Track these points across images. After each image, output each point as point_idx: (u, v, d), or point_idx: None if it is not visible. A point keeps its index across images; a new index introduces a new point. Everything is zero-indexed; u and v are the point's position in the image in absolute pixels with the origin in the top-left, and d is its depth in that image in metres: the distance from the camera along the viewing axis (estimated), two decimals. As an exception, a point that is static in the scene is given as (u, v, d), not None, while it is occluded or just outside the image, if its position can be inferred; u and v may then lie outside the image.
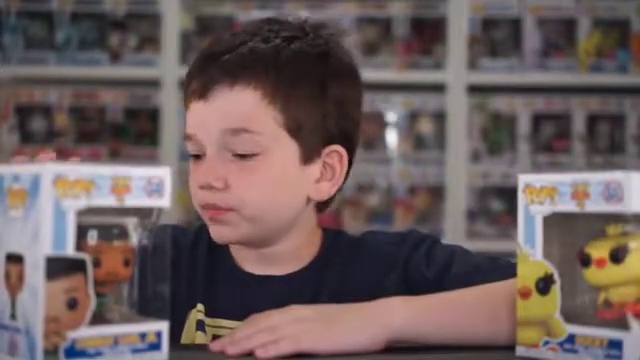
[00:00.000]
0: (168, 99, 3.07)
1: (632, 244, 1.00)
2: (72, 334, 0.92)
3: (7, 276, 0.94)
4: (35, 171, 0.92)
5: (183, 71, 3.35)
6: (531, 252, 1.06)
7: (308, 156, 1.29)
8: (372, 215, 3.08)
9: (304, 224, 1.32)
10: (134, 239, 0.98)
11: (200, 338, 1.28)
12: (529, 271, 1.06)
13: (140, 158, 3.05)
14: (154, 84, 3.08)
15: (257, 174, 1.26)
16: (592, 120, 3.10)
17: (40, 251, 0.91)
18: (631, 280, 1.00)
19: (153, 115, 3.10)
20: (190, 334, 1.28)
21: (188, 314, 1.29)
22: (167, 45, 3.07)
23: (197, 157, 1.28)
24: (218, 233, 1.28)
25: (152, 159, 3.06)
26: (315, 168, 1.30)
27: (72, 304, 0.92)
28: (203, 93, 1.26)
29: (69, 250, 0.92)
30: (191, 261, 1.33)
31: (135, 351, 0.95)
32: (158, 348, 0.97)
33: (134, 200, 0.95)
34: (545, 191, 1.05)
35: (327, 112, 1.30)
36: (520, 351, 1.07)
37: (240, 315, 1.26)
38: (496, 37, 3.10)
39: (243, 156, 1.26)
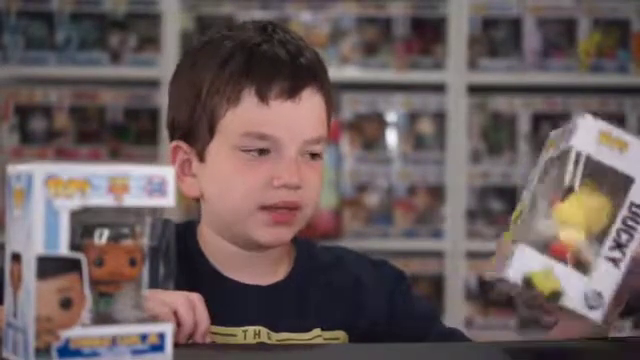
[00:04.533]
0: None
1: (578, 188, 1.03)
2: (66, 333, 0.92)
3: (11, 275, 0.94)
4: (30, 171, 0.92)
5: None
6: (527, 190, 1.12)
7: None
8: (372, 215, 3.08)
9: None
10: (142, 239, 0.98)
11: None
12: (520, 206, 1.13)
13: (140, 158, 3.05)
14: (154, 84, 3.08)
15: (318, 175, 1.30)
16: (592, 120, 3.10)
17: (32, 250, 0.91)
18: (563, 222, 1.03)
19: (153, 115, 3.10)
20: None
21: None
22: (167, 45, 3.07)
23: (257, 153, 1.27)
24: (279, 236, 1.28)
25: (152, 159, 3.06)
26: None
27: (66, 303, 0.92)
28: (293, 94, 1.27)
29: (62, 250, 0.92)
30: None
31: (135, 352, 0.95)
32: (161, 350, 0.97)
33: (134, 200, 0.95)
34: (552, 143, 1.11)
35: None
36: (490, 275, 1.12)
37: (230, 321, 1.27)
38: (496, 37, 3.10)
39: (312, 158, 1.29)
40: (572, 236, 1.02)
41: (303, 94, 1.27)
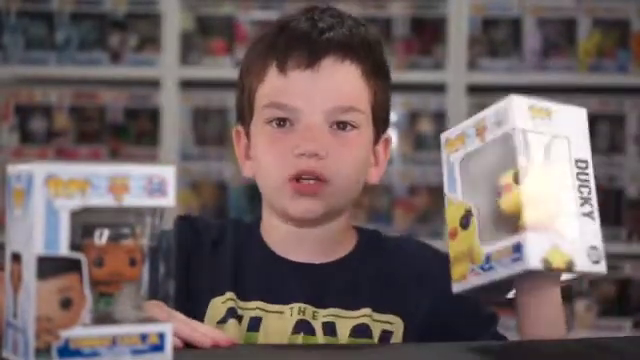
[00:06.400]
0: (168, 99, 3.08)
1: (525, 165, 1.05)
2: (66, 333, 0.92)
3: (11, 275, 0.94)
4: (30, 170, 0.92)
5: (183, 71, 3.37)
6: (454, 196, 1.12)
7: (375, 140, 1.34)
8: (372, 215, 3.08)
9: (350, 209, 1.35)
10: (142, 239, 0.98)
11: (233, 327, 1.27)
12: (454, 213, 1.11)
13: (140, 158, 3.05)
14: (154, 84, 3.08)
15: (351, 148, 1.29)
16: (592, 120, 3.09)
17: (31, 250, 0.91)
18: (533, 199, 1.04)
19: (153, 115, 3.10)
20: (211, 321, 1.28)
21: (209, 303, 1.29)
22: (167, 45, 3.07)
23: (280, 125, 1.28)
24: (306, 207, 1.28)
25: (152, 159, 3.06)
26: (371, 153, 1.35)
27: (66, 303, 0.92)
28: (311, 63, 1.27)
29: (62, 250, 0.92)
30: (214, 257, 1.33)
31: (135, 352, 0.95)
32: (161, 349, 0.97)
33: (134, 200, 0.95)
34: (459, 139, 1.12)
35: (389, 98, 1.36)
36: (455, 287, 1.11)
37: (277, 299, 1.29)
38: (496, 37, 3.10)
39: (343, 128, 1.28)
40: (549, 209, 1.05)
41: (323, 63, 1.28)
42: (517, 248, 1.03)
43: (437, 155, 3.55)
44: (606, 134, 3.10)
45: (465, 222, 1.10)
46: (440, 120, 3.08)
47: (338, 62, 1.28)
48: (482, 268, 1.07)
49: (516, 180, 1.04)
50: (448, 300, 1.31)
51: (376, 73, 1.32)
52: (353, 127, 1.29)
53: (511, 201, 1.05)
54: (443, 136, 1.15)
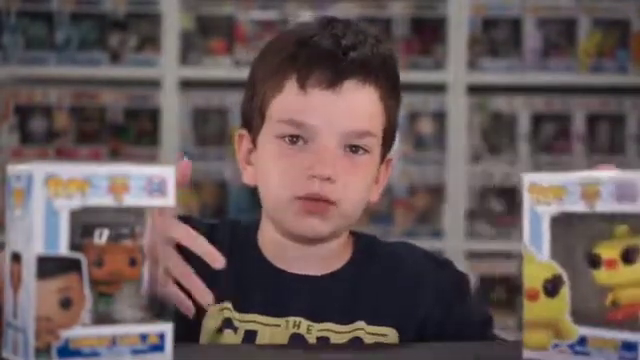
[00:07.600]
0: (168, 99, 3.08)
1: None
2: (66, 333, 0.92)
3: (11, 275, 0.94)
4: (30, 171, 0.92)
5: (183, 71, 3.36)
6: (537, 253, 1.02)
7: (381, 161, 1.33)
8: (372, 215, 3.08)
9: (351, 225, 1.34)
10: (142, 239, 0.98)
11: (229, 336, 1.26)
12: (536, 272, 1.02)
13: (140, 158, 3.05)
14: (154, 84, 3.08)
15: (361, 173, 1.28)
16: (592, 120, 3.11)
17: (31, 250, 0.91)
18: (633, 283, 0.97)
19: (153, 115, 3.11)
20: (208, 331, 1.27)
21: (206, 311, 1.27)
22: (167, 45, 3.07)
23: (293, 141, 1.27)
24: (312, 226, 1.26)
25: (152, 159, 3.06)
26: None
27: (65, 303, 0.92)
28: (333, 84, 1.25)
29: (62, 250, 0.92)
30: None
31: (135, 352, 0.95)
32: (161, 349, 0.97)
33: (134, 200, 0.95)
34: (552, 191, 1.01)
35: (398, 117, 1.37)
36: (527, 354, 1.03)
37: (273, 312, 1.28)
38: (496, 37, 3.10)
39: (355, 152, 1.27)
40: None
41: (345, 85, 1.26)
42: (629, 347, 0.94)
43: (437, 155, 3.54)
44: (606, 134, 3.10)
45: (552, 288, 1.01)
46: (440, 120, 3.09)
47: (360, 85, 1.27)
48: (572, 349, 0.99)
49: (625, 258, 0.97)
50: (443, 304, 1.32)
51: (392, 94, 1.32)
52: (365, 151, 1.28)
53: (613, 278, 0.98)
54: (526, 179, 1.02)
